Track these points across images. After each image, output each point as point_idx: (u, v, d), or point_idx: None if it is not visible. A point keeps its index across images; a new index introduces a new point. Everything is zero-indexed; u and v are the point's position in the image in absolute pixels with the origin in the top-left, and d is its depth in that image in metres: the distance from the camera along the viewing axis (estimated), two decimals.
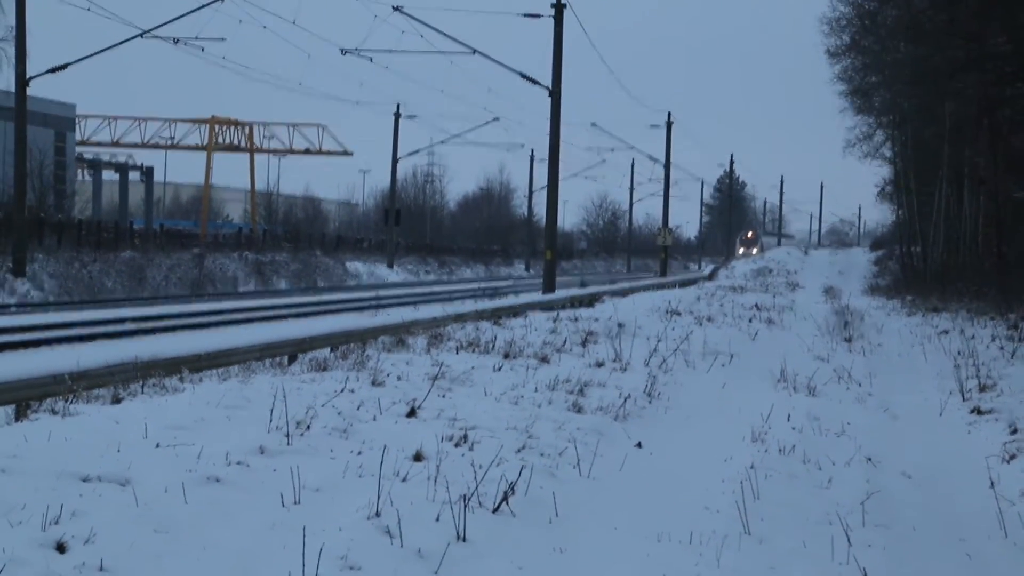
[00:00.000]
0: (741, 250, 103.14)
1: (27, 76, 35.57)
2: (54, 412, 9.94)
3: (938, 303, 32.11)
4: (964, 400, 14.64)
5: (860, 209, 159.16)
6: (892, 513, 8.86)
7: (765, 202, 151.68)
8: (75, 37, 60.74)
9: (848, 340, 22.29)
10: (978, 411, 13.80)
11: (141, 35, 36.16)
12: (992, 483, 9.74)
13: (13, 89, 36.37)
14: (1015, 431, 12.09)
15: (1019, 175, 34.37)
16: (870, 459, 10.76)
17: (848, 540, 7.80)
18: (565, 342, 17.87)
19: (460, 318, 22.11)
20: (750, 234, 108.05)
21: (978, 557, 7.94)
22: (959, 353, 18.88)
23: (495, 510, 7.96)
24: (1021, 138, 36.00)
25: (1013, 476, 10.06)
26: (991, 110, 34.86)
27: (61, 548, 6.30)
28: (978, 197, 39.51)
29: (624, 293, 36.52)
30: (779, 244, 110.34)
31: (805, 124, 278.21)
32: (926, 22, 36.28)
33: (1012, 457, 10.78)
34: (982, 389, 15.21)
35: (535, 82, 35.91)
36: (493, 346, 16.55)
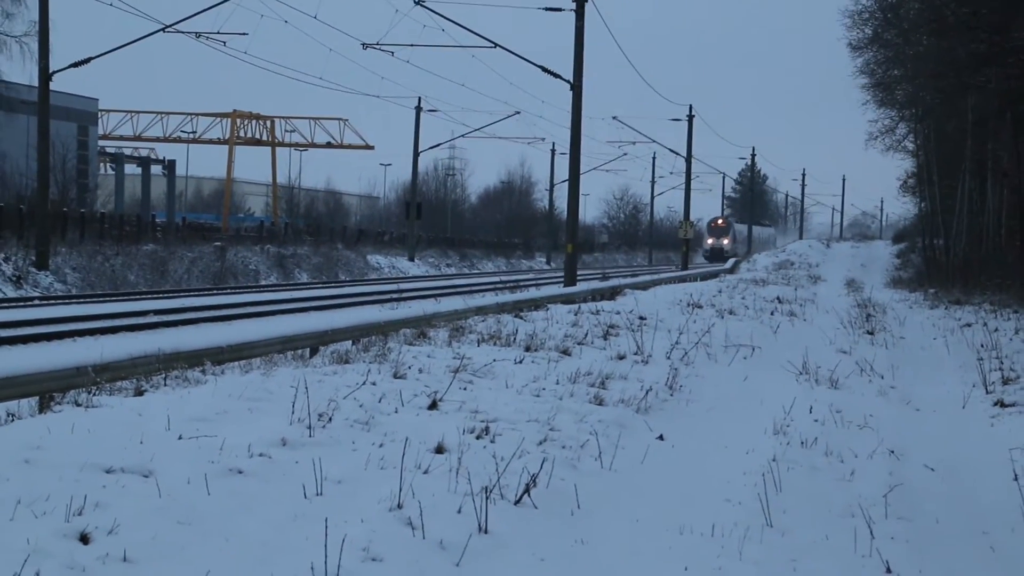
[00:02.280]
0: (709, 241, 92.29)
1: (50, 70, 35.71)
2: (77, 404, 9.97)
3: (961, 296, 31.96)
4: (987, 393, 14.56)
5: (882, 202, 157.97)
6: (915, 506, 8.82)
7: (787, 195, 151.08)
8: (98, 32, 61.01)
9: (870, 333, 22.20)
10: (1001, 404, 13.71)
11: (163, 30, 36.25)
12: (1016, 476, 9.68)
13: (37, 83, 36.53)
14: None
15: None
16: (893, 452, 10.71)
17: (871, 532, 7.77)
18: (586, 335, 17.85)
19: (481, 311, 22.11)
20: (720, 221, 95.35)
21: (1002, 549, 7.89)
22: (982, 346, 18.78)
23: (517, 502, 7.96)
24: None
25: None
26: (1014, 103, 34.65)
27: (85, 539, 6.32)
28: (1001, 190, 39.28)
29: (645, 286, 36.46)
30: (800, 237, 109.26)
31: (827, 117, 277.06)
32: (949, 15, 36.05)
33: None
34: (1005, 382, 15.13)
35: (556, 76, 35.84)
36: (514, 339, 16.53)
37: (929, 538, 8.04)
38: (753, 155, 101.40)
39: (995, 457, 10.76)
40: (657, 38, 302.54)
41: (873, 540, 7.64)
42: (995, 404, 13.81)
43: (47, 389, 11.23)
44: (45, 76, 35.67)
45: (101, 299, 31.78)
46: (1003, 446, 11.10)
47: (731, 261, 70.89)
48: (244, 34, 36.82)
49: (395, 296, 32.12)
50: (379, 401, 10.67)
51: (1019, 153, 34.42)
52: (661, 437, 11.01)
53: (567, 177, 38.02)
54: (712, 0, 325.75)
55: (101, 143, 73.25)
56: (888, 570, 7.17)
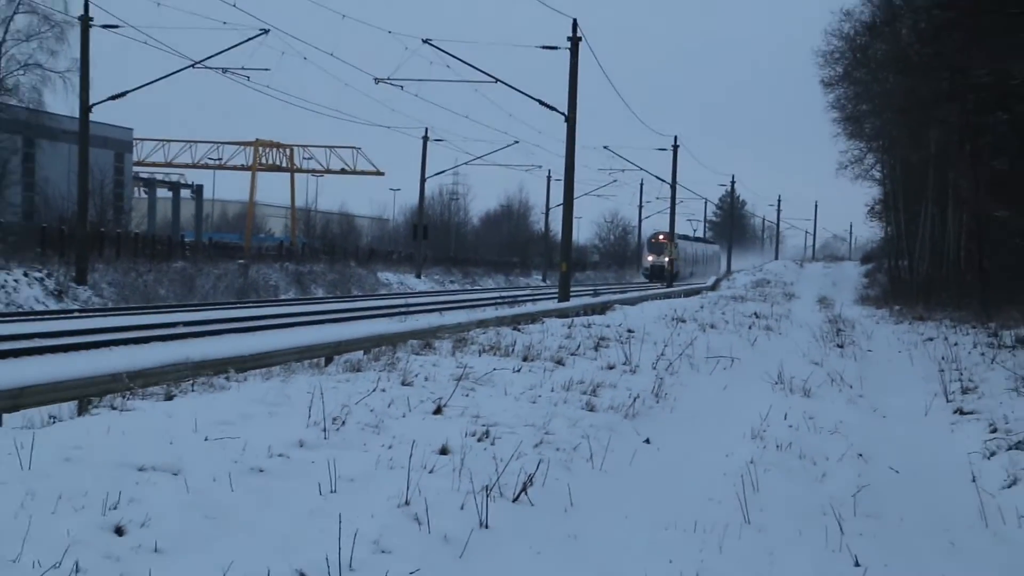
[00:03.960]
0: (649, 258, 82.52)
1: (90, 103, 35.85)
2: (113, 408, 9.97)
3: (923, 313, 31.96)
4: (948, 402, 14.55)
5: (851, 226, 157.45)
6: (881, 505, 8.81)
7: (764, 219, 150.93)
8: (133, 67, 61.05)
9: (840, 346, 22.19)
10: (961, 412, 13.71)
11: (193, 65, 36.33)
12: (974, 478, 9.69)
13: (78, 114, 36.64)
14: (995, 430, 12.01)
15: (998, 195, 34.18)
16: (861, 455, 10.71)
17: (841, 529, 7.77)
18: (579, 346, 17.84)
19: (482, 324, 22.10)
20: (661, 237, 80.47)
21: (961, 545, 7.89)
22: (943, 358, 18.77)
23: (515, 500, 7.96)
24: (1000, 162, 35.88)
25: (993, 471, 9.99)
26: (973, 136, 34.75)
27: (119, 531, 6.34)
28: (961, 216, 39.33)
29: (633, 302, 36.40)
30: (776, 258, 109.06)
31: (801, 148, 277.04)
32: (913, 55, 36.16)
33: (992, 454, 10.71)
34: (964, 392, 15.13)
35: (552, 108, 35.88)
36: (513, 350, 16.52)
37: (894, 534, 8.04)
38: (733, 182, 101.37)
39: (955, 460, 10.76)
40: (645, 72, 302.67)
41: (843, 536, 7.65)
42: (955, 412, 13.80)
43: (85, 394, 11.25)
44: (85, 108, 35.79)
45: (134, 312, 31.74)
46: (962, 450, 11.11)
47: (712, 279, 70.69)
48: (267, 69, 36.92)
49: (403, 310, 32.09)
50: (388, 406, 10.68)
51: (978, 182, 34.43)
52: (648, 441, 11.01)
53: (562, 201, 38.03)
54: (701, 38, 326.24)
55: (135, 169, 73.18)
56: (857, 563, 7.17)
